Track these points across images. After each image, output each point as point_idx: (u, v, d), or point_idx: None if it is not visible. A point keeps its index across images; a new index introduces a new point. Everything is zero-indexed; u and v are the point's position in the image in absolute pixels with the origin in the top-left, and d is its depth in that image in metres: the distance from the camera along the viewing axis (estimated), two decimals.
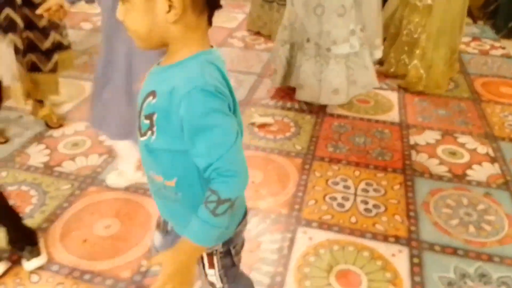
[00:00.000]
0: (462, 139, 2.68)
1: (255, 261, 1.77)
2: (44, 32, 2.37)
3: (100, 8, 1.76)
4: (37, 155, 2.42)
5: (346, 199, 2.14)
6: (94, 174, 2.26)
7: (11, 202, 1.74)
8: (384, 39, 3.42)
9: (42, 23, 2.35)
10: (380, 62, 3.54)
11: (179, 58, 0.88)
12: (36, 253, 1.72)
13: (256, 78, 3.40)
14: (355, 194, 2.18)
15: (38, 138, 2.58)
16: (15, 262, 1.74)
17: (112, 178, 2.17)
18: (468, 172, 2.37)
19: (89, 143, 2.52)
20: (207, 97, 0.83)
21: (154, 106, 0.88)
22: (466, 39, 4.24)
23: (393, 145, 2.59)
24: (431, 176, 2.33)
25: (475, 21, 4.74)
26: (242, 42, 4.16)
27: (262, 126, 2.74)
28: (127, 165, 2.13)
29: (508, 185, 2.27)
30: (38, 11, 1.70)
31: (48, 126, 2.66)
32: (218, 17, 1.72)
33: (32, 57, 2.38)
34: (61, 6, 1.71)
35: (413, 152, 2.53)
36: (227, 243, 1.06)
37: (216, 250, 1.06)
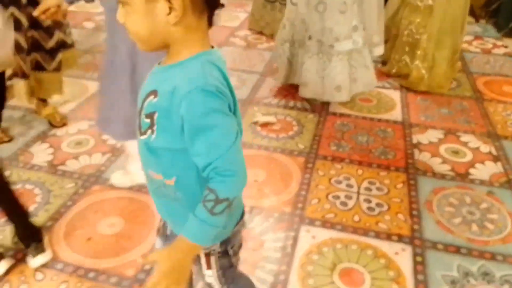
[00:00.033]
0: (464, 138, 2.68)
1: (259, 260, 1.78)
2: (49, 31, 2.38)
3: (103, 8, 1.77)
4: (41, 154, 2.43)
5: (349, 197, 2.15)
6: (98, 173, 2.27)
7: None
8: (387, 41, 3.43)
9: (47, 22, 2.36)
10: (383, 62, 3.55)
11: (180, 58, 0.88)
12: (41, 249, 1.74)
13: (258, 77, 3.40)
14: (358, 193, 2.18)
15: (41, 137, 2.59)
16: (20, 260, 1.75)
17: (117, 177, 2.17)
18: (471, 171, 2.37)
19: (92, 142, 2.53)
20: (207, 97, 0.83)
21: (155, 105, 0.89)
22: (468, 38, 4.24)
23: (396, 144, 2.60)
24: (434, 174, 2.33)
25: (477, 20, 4.74)
26: (244, 41, 4.16)
27: (265, 125, 2.74)
28: (136, 165, 2.13)
29: (510, 184, 2.28)
30: (35, 12, 1.71)
31: (52, 125, 2.66)
32: (220, 16, 1.73)
33: (36, 56, 2.39)
34: (59, 7, 1.71)
35: (416, 151, 2.53)
36: (225, 243, 1.07)
37: (214, 250, 1.06)
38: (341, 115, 2.90)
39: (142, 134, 0.94)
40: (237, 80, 3.31)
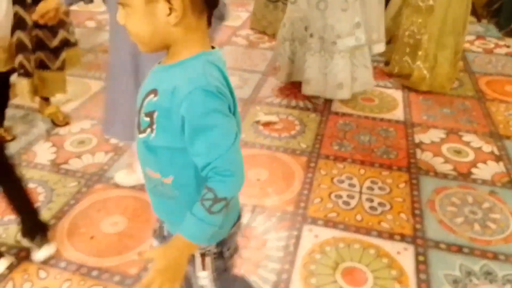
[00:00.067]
0: (467, 137, 2.68)
1: (261, 259, 1.78)
2: (53, 30, 2.38)
3: (105, 7, 1.77)
4: (44, 152, 2.44)
5: (351, 197, 2.15)
6: (101, 172, 2.27)
7: None
8: (389, 41, 3.43)
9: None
10: (386, 63, 3.56)
11: (181, 58, 0.89)
12: (46, 242, 1.76)
13: (260, 76, 3.41)
14: (361, 192, 2.18)
15: (44, 136, 2.59)
16: (24, 258, 1.76)
17: (121, 177, 2.18)
18: (473, 170, 2.38)
19: (95, 141, 2.53)
20: (208, 97, 0.84)
21: (155, 104, 0.89)
22: (470, 37, 4.24)
23: (398, 144, 2.60)
24: (436, 174, 2.34)
25: (479, 20, 4.74)
26: (246, 40, 4.17)
27: (267, 124, 2.75)
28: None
29: None
30: (34, 16, 1.72)
31: (55, 124, 2.67)
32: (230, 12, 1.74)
33: (40, 55, 2.40)
34: (57, 10, 1.72)
35: (418, 151, 2.53)
36: (221, 245, 1.07)
37: (209, 251, 1.06)
38: (343, 114, 2.91)
39: (141, 132, 0.94)
40: (239, 80, 3.31)
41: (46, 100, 2.68)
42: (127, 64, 1.77)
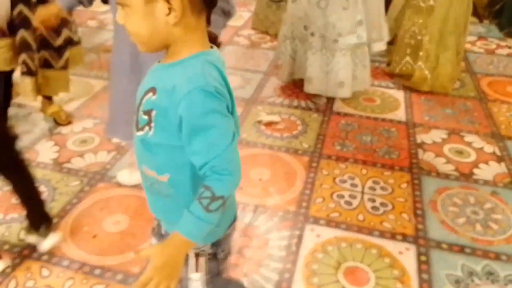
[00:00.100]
0: (468, 138, 2.68)
1: (264, 258, 1.79)
2: (57, 29, 2.38)
3: (106, 7, 1.77)
4: (46, 151, 2.44)
5: (353, 197, 2.15)
6: (103, 171, 2.28)
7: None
8: (392, 42, 3.43)
9: None
10: (388, 63, 3.56)
11: (180, 57, 0.89)
12: (51, 230, 1.78)
13: (262, 76, 3.41)
14: (363, 192, 2.19)
15: (46, 135, 2.60)
16: (26, 257, 1.76)
17: (124, 176, 2.18)
18: (475, 171, 2.38)
19: (97, 140, 2.53)
20: (207, 97, 0.84)
21: (154, 103, 0.89)
22: (472, 38, 4.24)
23: (400, 144, 2.60)
24: (438, 174, 2.34)
25: (481, 21, 4.74)
26: (248, 40, 4.17)
27: (269, 124, 2.75)
28: None
29: None
30: (35, 22, 1.74)
31: (57, 123, 2.68)
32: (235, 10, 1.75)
33: (45, 53, 2.40)
34: (58, 15, 1.73)
35: (420, 151, 2.53)
36: (216, 246, 1.07)
37: (204, 251, 1.06)
38: (345, 114, 2.91)
39: (139, 130, 0.94)
40: (241, 79, 3.32)
41: (48, 99, 2.68)
42: (129, 64, 1.77)
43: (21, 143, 2.48)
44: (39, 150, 2.44)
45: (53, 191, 2.14)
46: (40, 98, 2.64)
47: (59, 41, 2.42)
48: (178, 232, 0.90)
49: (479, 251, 1.86)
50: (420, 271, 1.76)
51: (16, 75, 2.29)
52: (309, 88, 2.94)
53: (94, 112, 2.82)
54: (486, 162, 2.45)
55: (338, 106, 2.99)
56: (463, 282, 1.71)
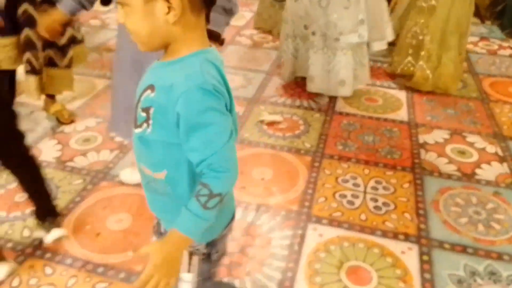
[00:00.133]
0: (470, 138, 2.69)
1: (266, 257, 1.79)
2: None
3: (108, 6, 1.78)
4: (49, 150, 2.45)
5: (355, 196, 2.16)
6: (106, 170, 2.28)
7: (24, 196, 1.77)
8: (395, 42, 3.44)
9: None
10: (390, 63, 3.56)
11: (180, 55, 0.90)
12: (56, 225, 1.80)
13: (264, 76, 3.41)
14: (365, 192, 2.19)
15: (49, 133, 2.60)
16: (30, 255, 1.77)
17: (126, 174, 2.18)
18: (477, 171, 2.38)
19: (100, 139, 2.54)
20: (205, 95, 0.85)
21: (152, 100, 0.90)
22: (474, 38, 4.24)
23: (402, 144, 2.60)
24: (440, 174, 2.34)
25: (483, 21, 4.74)
26: (250, 40, 4.17)
27: (271, 123, 2.75)
28: None
29: None
30: (39, 31, 1.76)
31: (60, 122, 2.68)
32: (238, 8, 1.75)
33: (50, 52, 2.41)
34: (62, 23, 1.74)
35: (422, 151, 2.54)
36: (210, 246, 1.07)
37: (199, 250, 1.06)
38: (347, 114, 2.91)
39: (137, 127, 0.95)
40: (243, 79, 3.32)
41: (51, 97, 2.69)
42: (131, 62, 1.78)
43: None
44: (42, 149, 2.45)
45: (56, 189, 2.14)
46: (43, 96, 2.64)
47: (63, 40, 2.43)
48: (176, 230, 0.91)
49: (481, 251, 1.87)
50: (422, 270, 1.76)
51: (19, 74, 2.29)
52: (311, 87, 2.94)
53: (96, 111, 2.83)
54: (488, 163, 2.45)
55: (340, 106, 2.99)
56: (466, 282, 1.72)
